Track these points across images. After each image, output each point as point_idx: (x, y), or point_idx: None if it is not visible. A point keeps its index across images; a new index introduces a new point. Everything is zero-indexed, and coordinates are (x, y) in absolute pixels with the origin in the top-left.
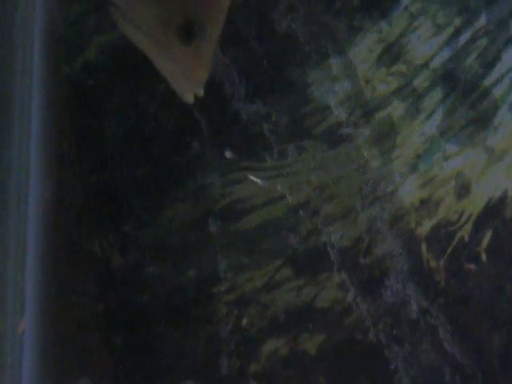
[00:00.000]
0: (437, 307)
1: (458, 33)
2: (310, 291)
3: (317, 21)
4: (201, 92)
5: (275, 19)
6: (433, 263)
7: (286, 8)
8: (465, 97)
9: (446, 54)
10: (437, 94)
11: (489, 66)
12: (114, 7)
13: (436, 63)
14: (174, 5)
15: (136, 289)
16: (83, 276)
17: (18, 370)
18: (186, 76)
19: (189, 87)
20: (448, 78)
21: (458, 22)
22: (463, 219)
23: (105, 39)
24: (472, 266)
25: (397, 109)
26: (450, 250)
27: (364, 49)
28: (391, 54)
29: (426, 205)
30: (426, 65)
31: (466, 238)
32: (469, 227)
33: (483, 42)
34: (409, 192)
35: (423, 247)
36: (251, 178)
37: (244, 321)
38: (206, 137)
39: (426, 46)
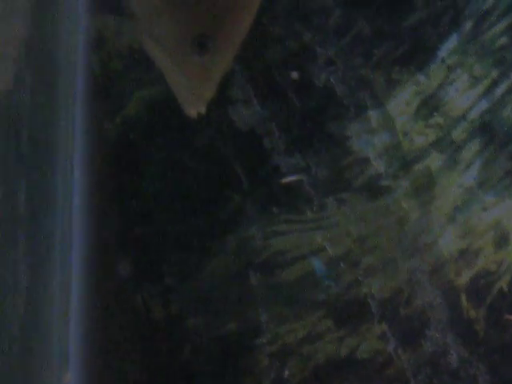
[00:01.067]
0: (477, 357)
1: (494, 85)
2: (350, 342)
3: (355, 74)
4: (203, 110)
5: (314, 73)
6: (472, 313)
7: (324, 62)
8: (502, 148)
9: (483, 105)
10: (474, 146)
11: None
12: (137, 20)
13: (473, 115)
14: (191, 18)
15: (178, 341)
16: (126, 328)
17: None
18: (193, 91)
19: (193, 103)
20: (485, 129)
21: (494, 74)
22: (502, 269)
23: (145, 94)
24: (511, 317)
25: (435, 160)
26: (489, 300)
27: (402, 101)
28: (429, 106)
29: (465, 255)
30: (463, 116)
31: (505, 288)
32: (508, 277)
33: None
34: (448, 243)
35: (462, 297)
36: (285, 180)
37: (286, 372)
38: (246, 190)
39: (463, 98)
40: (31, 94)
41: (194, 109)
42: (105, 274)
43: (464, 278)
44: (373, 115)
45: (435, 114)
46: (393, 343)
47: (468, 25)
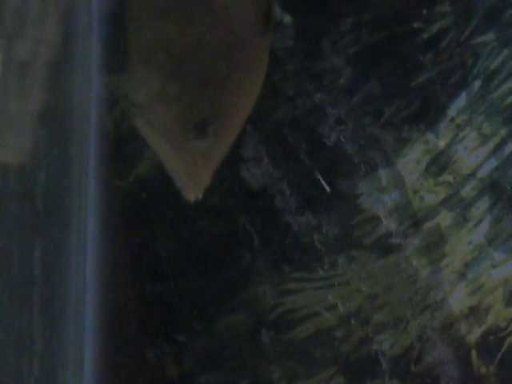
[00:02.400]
0: None
1: (503, 143)
2: None
3: (365, 133)
4: (200, 195)
5: (324, 132)
6: (483, 369)
7: (334, 121)
8: (511, 205)
9: (492, 163)
10: (484, 203)
11: None
12: (135, 107)
13: (482, 173)
14: (192, 104)
15: None
16: None
17: None
18: (190, 178)
19: (191, 188)
20: (494, 187)
21: (503, 132)
22: None
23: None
24: None
25: (445, 218)
26: (499, 356)
27: (412, 160)
28: (438, 164)
29: (475, 312)
30: (472, 174)
31: None
32: None
33: None
34: (458, 300)
35: (473, 354)
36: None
37: None
38: (258, 248)
39: (473, 156)
40: (46, 165)
41: (193, 194)
42: (118, 333)
43: (475, 335)
44: (383, 173)
45: (445, 172)
46: None
47: (477, 84)
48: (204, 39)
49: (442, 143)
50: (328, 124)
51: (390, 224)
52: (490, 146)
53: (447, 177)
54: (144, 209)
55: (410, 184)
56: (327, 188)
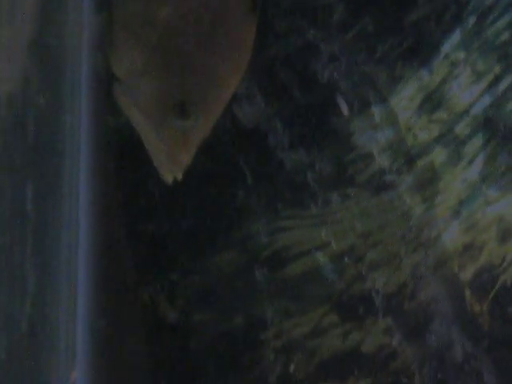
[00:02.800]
0: (481, 351)
1: (497, 80)
2: (355, 337)
3: (358, 70)
4: (179, 176)
5: (317, 70)
6: (476, 307)
7: (327, 58)
8: (505, 143)
9: (486, 100)
10: (478, 141)
11: None
12: (119, 82)
13: (476, 110)
14: (173, 84)
15: (184, 336)
16: (132, 324)
17: None
18: (169, 158)
19: (170, 169)
20: (488, 124)
21: (497, 69)
22: (506, 263)
23: None
24: None
25: (439, 155)
26: (493, 293)
27: (405, 97)
28: (432, 101)
29: (469, 250)
30: (466, 112)
31: (509, 282)
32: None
33: None
34: (452, 237)
35: (467, 291)
36: (340, 101)
37: (291, 367)
38: (251, 186)
39: (467, 93)
40: (37, 94)
41: (171, 174)
42: (111, 273)
43: (468, 273)
44: (376, 111)
45: (439, 109)
46: (397, 337)
47: (471, 20)
48: (190, 15)
49: (435, 80)
50: (321, 61)
51: (383, 161)
52: (485, 83)
53: (441, 114)
54: (137, 147)
55: (403, 121)
56: (345, 111)
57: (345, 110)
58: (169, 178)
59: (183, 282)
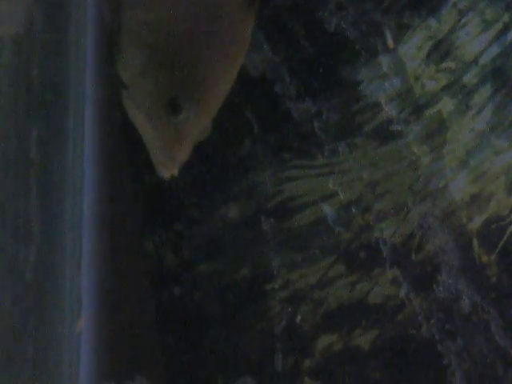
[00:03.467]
0: (489, 302)
1: (506, 29)
2: (362, 287)
3: (366, 19)
4: (175, 172)
5: (325, 18)
6: (484, 258)
7: (335, 7)
8: None
9: (494, 50)
10: (486, 90)
11: None
12: (125, 87)
13: (485, 59)
14: (167, 81)
15: (189, 287)
16: (138, 274)
17: (76, 369)
18: (164, 154)
19: (166, 165)
20: (497, 73)
21: (506, 17)
22: None
23: None
24: None
25: (447, 105)
26: (501, 244)
27: (413, 46)
28: (440, 50)
29: (477, 200)
30: (475, 61)
31: None
32: None
33: None
34: (460, 187)
35: (474, 242)
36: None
37: (298, 317)
38: (258, 136)
39: (475, 42)
40: (42, 39)
41: (168, 171)
42: (116, 221)
43: (476, 223)
44: (384, 60)
45: (447, 58)
46: (405, 288)
47: None
48: (187, 14)
49: (443, 29)
50: (328, 9)
51: (390, 111)
52: (493, 32)
53: (449, 63)
54: None
55: (411, 70)
56: (391, 43)
57: (391, 43)
58: (166, 174)
59: (188, 232)
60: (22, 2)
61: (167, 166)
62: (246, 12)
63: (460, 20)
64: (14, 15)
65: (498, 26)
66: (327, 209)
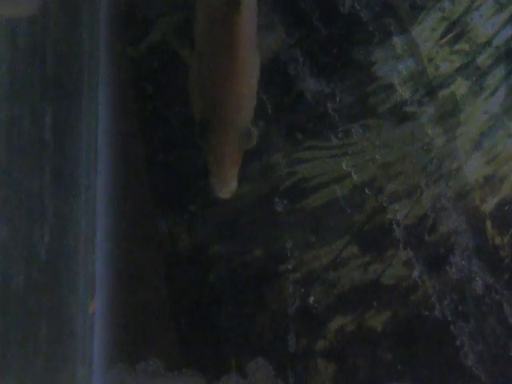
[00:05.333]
0: (502, 283)
1: None
2: (375, 268)
3: (380, 0)
4: (227, 195)
5: (339, 0)
6: (497, 240)
7: None
8: None
9: (508, 31)
10: (500, 72)
11: None
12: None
13: (499, 41)
14: (196, 103)
15: (203, 267)
16: (151, 256)
17: (90, 349)
18: (213, 176)
19: (217, 187)
20: (510, 55)
21: None
22: None
23: (167, 21)
24: None
25: (460, 87)
26: None
27: (427, 27)
28: (454, 32)
29: (491, 182)
30: (488, 43)
31: None
32: None
33: None
34: (473, 169)
35: (488, 224)
36: None
37: (311, 298)
38: (271, 116)
39: (489, 24)
40: (55, 20)
41: (219, 192)
42: (130, 202)
43: (489, 205)
44: (398, 41)
45: (460, 40)
46: (418, 269)
47: None
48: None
49: (457, 11)
50: None
51: (404, 92)
52: (506, 13)
53: (463, 45)
54: (157, 77)
55: (425, 52)
56: None
57: None
58: (219, 195)
59: (202, 213)
60: None
61: (219, 188)
62: (234, 18)
63: (474, 1)
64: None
65: None
66: (340, 190)
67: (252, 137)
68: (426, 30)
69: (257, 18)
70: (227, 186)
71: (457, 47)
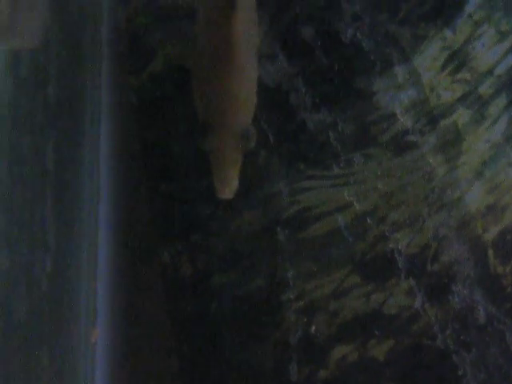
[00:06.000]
0: (504, 312)
1: None
2: (377, 298)
3: (381, 30)
4: (229, 195)
5: (340, 29)
6: (499, 269)
7: (350, 17)
8: None
9: (510, 60)
10: (501, 101)
11: None
12: None
13: (500, 70)
14: (198, 106)
15: (205, 296)
16: (153, 285)
17: (91, 379)
18: (216, 178)
19: (218, 188)
20: None
21: None
22: None
23: (170, 51)
24: None
25: (462, 116)
26: None
27: (428, 57)
28: (456, 61)
29: (493, 211)
30: (490, 72)
31: None
32: None
33: None
34: (475, 198)
35: (490, 253)
36: None
37: (313, 328)
38: (273, 146)
39: (490, 53)
40: (58, 51)
41: (221, 194)
42: (132, 231)
43: (491, 234)
44: (399, 71)
45: (462, 69)
46: (420, 299)
47: None
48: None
49: (459, 40)
50: (344, 20)
51: (406, 121)
52: (508, 42)
53: (464, 74)
54: (158, 107)
55: (426, 81)
56: None
57: None
58: (220, 196)
59: (205, 242)
60: (39, 16)
61: (219, 190)
62: (228, 20)
63: (475, 31)
64: (30, 29)
65: None
66: (342, 219)
67: (251, 138)
68: (428, 59)
69: (256, 20)
70: (228, 187)
71: (458, 76)
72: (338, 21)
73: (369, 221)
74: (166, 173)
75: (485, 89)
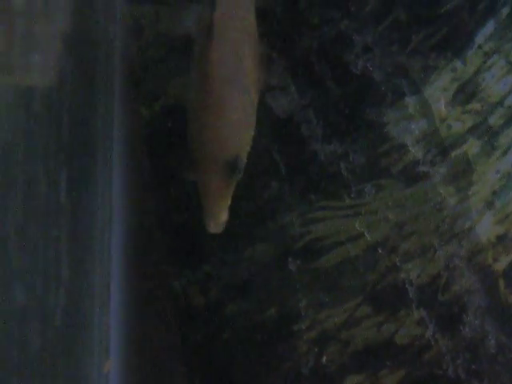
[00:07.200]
0: None
1: None
2: (389, 328)
3: (392, 61)
4: (217, 229)
5: (351, 60)
6: (510, 298)
7: (361, 49)
8: None
9: None
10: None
11: None
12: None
13: (510, 101)
14: (189, 142)
15: (217, 327)
16: (165, 315)
17: None
18: (204, 211)
19: (207, 221)
20: None
21: None
22: None
23: (182, 81)
24: None
25: (472, 146)
26: None
27: (439, 88)
28: (466, 92)
29: (503, 241)
30: (500, 102)
31: None
32: None
33: None
34: (485, 228)
35: (500, 283)
36: None
37: (324, 358)
38: (284, 177)
39: (500, 83)
40: (71, 86)
41: (210, 227)
42: (144, 262)
43: (502, 264)
44: (410, 102)
45: (472, 100)
46: (431, 329)
47: (505, 11)
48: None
49: (469, 71)
50: (354, 52)
51: (417, 152)
52: None
53: (475, 105)
54: (170, 138)
55: (437, 112)
56: None
57: None
58: (210, 229)
59: (216, 273)
60: (54, 52)
61: (207, 222)
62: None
63: (485, 62)
64: (45, 65)
65: None
66: (353, 250)
67: (239, 169)
68: (438, 90)
69: (256, 50)
70: (215, 220)
71: (469, 107)
72: (348, 52)
73: (380, 251)
74: (179, 203)
75: (495, 119)
